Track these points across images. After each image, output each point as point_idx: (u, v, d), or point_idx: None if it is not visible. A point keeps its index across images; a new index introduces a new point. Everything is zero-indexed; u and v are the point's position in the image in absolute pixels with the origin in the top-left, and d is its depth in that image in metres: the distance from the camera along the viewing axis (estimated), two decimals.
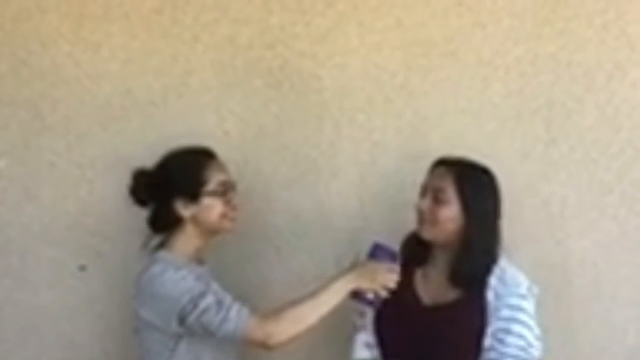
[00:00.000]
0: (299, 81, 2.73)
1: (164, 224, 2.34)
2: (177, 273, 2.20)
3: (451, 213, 2.25)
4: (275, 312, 2.21)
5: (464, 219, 2.24)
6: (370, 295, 2.26)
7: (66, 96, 2.79)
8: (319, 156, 2.73)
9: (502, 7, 2.66)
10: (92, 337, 2.82)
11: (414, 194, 2.35)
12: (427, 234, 2.29)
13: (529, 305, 2.20)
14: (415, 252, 2.34)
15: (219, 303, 2.17)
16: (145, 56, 2.77)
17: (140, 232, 2.40)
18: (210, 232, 2.34)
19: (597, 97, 2.63)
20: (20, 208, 2.81)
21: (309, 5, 2.71)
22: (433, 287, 2.30)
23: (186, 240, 2.32)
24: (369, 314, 2.35)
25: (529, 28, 2.65)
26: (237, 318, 2.16)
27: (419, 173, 2.37)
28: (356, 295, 2.26)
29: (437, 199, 2.26)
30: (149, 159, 2.36)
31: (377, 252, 2.30)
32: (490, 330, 2.18)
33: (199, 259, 2.36)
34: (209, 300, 2.16)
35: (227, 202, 2.32)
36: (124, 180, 2.36)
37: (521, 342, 2.16)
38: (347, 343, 2.44)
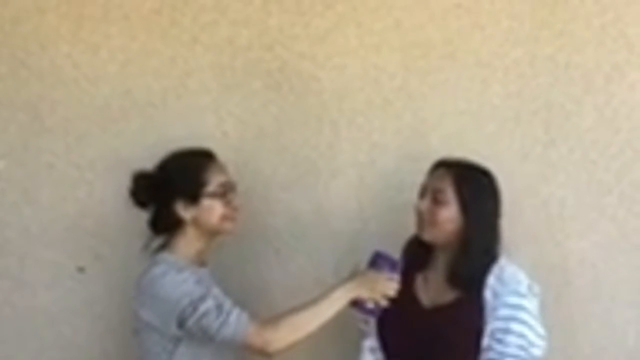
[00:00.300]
0: (298, 82, 2.73)
1: (164, 225, 2.34)
2: (178, 275, 2.20)
3: (450, 214, 2.25)
4: (274, 319, 2.21)
5: (462, 219, 2.24)
6: (370, 305, 2.26)
7: (65, 97, 2.79)
8: (318, 157, 2.73)
9: (500, 8, 2.66)
10: (91, 338, 2.82)
11: (413, 195, 2.35)
12: (427, 235, 2.29)
13: (529, 303, 2.19)
14: (416, 256, 2.34)
15: (219, 307, 2.17)
16: (145, 57, 2.77)
17: (139, 234, 2.40)
18: (210, 233, 2.34)
19: (596, 98, 2.63)
20: (19, 209, 2.80)
21: (307, 6, 2.72)
22: (432, 289, 2.30)
23: (187, 242, 2.32)
24: (372, 319, 2.35)
25: (527, 30, 2.65)
26: (236, 323, 2.16)
27: (418, 174, 2.37)
28: (356, 304, 2.26)
29: (436, 200, 2.26)
30: (149, 161, 2.36)
31: (377, 261, 2.30)
32: (488, 329, 2.17)
33: (200, 261, 2.35)
34: (209, 304, 2.16)
35: (228, 204, 2.32)
36: (123, 182, 2.36)
37: (521, 342, 2.14)
38: (348, 347, 2.45)
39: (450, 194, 2.25)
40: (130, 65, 2.77)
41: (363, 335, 2.41)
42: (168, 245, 2.33)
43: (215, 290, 2.22)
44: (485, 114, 2.68)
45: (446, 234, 2.26)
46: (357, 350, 2.45)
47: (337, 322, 2.25)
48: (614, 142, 2.63)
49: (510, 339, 2.15)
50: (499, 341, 2.15)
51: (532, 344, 2.16)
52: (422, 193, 2.31)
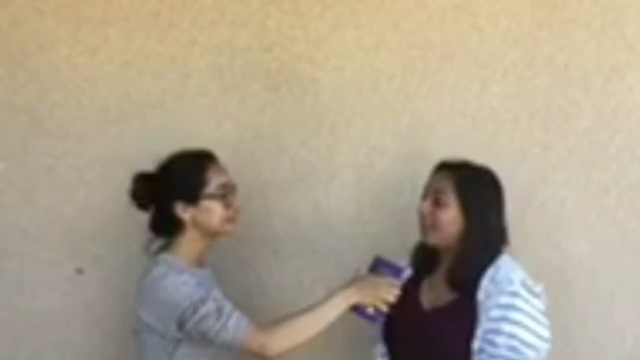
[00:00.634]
0: (297, 84, 2.73)
1: (164, 227, 2.34)
2: (179, 277, 2.20)
3: (451, 216, 2.24)
4: (273, 323, 2.21)
5: (464, 221, 2.24)
6: (370, 311, 2.24)
7: (64, 99, 2.79)
8: (317, 159, 2.73)
9: (499, 10, 2.66)
10: (89, 340, 2.83)
11: (412, 197, 2.36)
12: (431, 239, 2.28)
13: (524, 303, 2.13)
14: (424, 262, 2.33)
15: (219, 310, 2.17)
16: (143, 59, 2.77)
17: (138, 236, 2.40)
18: (210, 235, 2.33)
19: (595, 99, 2.63)
20: (18, 211, 2.81)
21: (306, 8, 2.72)
22: (435, 291, 2.29)
23: (188, 244, 2.31)
24: (373, 325, 2.33)
25: (526, 31, 2.65)
26: (235, 327, 2.16)
27: (417, 176, 2.37)
28: (356, 309, 2.25)
29: (437, 202, 2.25)
30: (148, 162, 2.36)
31: (378, 267, 2.29)
32: (480, 331, 2.14)
33: (200, 262, 2.35)
34: (209, 306, 2.16)
35: (227, 205, 2.31)
36: (122, 184, 2.36)
37: (512, 342, 2.10)
38: (349, 346, 2.44)
39: (450, 196, 2.24)
40: (129, 67, 2.78)
41: (374, 341, 2.39)
42: (169, 247, 2.33)
43: (216, 293, 2.22)
44: (483, 115, 2.67)
45: (448, 236, 2.25)
46: (356, 350, 2.46)
47: (337, 324, 2.25)
48: (612, 143, 2.62)
49: (501, 340, 2.11)
50: (490, 343, 2.12)
51: (526, 345, 2.11)
52: (425, 195, 2.31)
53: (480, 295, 2.17)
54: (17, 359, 2.82)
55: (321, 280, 2.66)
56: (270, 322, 2.22)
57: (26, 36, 2.78)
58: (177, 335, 2.19)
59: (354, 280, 2.28)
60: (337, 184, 2.73)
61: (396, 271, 2.26)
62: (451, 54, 2.68)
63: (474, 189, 2.25)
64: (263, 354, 2.18)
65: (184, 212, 2.29)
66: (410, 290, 2.29)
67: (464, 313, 2.17)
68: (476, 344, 2.14)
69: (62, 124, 2.79)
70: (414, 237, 2.36)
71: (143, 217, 2.36)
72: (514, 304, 2.13)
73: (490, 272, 2.20)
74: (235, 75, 2.74)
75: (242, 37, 2.74)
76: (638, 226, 2.62)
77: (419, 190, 2.33)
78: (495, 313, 2.13)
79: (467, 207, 2.23)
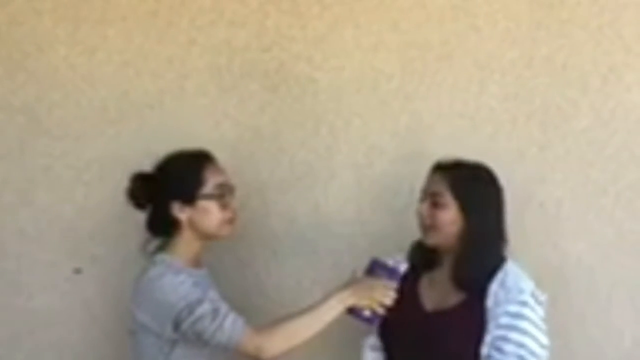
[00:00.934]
0: (295, 84, 2.73)
1: (161, 226, 2.33)
2: (175, 277, 2.19)
3: (450, 216, 2.24)
4: (269, 325, 2.20)
5: (463, 220, 2.24)
6: (366, 313, 2.24)
7: (62, 99, 2.79)
8: (316, 159, 2.73)
9: (497, 10, 2.66)
10: (86, 340, 2.82)
11: (411, 197, 2.36)
12: (430, 240, 2.28)
13: (531, 312, 2.15)
14: (422, 257, 2.33)
15: (215, 311, 2.16)
16: (142, 59, 2.77)
17: (136, 236, 2.39)
18: (207, 235, 2.32)
19: (593, 99, 2.63)
20: (16, 211, 2.80)
21: (305, 8, 2.72)
22: (437, 291, 2.28)
23: (185, 244, 2.30)
24: (369, 327, 2.32)
25: (524, 31, 2.66)
26: (231, 328, 2.16)
27: (416, 176, 2.37)
28: (353, 311, 2.24)
29: (435, 204, 2.25)
30: (146, 162, 2.35)
31: (374, 269, 2.28)
32: (488, 338, 2.15)
33: (197, 262, 2.34)
34: (205, 307, 2.16)
35: (225, 206, 2.30)
36: (120, 184, 2.35)
37: (521, 351, 2.12)
38: (346, 347, 2.44)
39: (448, 197, 2.24)
40: (127, 67, 2.77)
41: (365, 332, 2.39)
42: (165, 247, 2.32)
43: (212, 294, 2.22)
44: (482, 115, 2.68)
45: (449, 236, 2.25)
46: (352, 352, 2.46)
47: (333, 326, 2.24)
48: (610, 144, 2.63)
49: (509, 348, 2.13)
50: (498, 350, 2.14)
51: (532, 354, 2.13)
52: (423, 197, 2.31)
53: (490, 300, 2.18)
54: (14, 358, 2.82)
55: (320, 280, 2.66)
56: (266, 323, 2.22)
57: (24, 36, 2.78)
58: (173, 335, 2.19)
59: (350, 282, 2.27)
60: (336, 184, 2.73)
61: (392, 273, 2.26)
62: (450, 54, 2.68)
63: (471, 188, 2.25)
64: (258, 355, 2.17)
65: (180, 212, 2.28)
66: (408, 288, 2.29)
67: (471, 316, 2.19)
68: (484, 350, 2.16)
69: (61, 124, 2.78)
70: (412, 237, 2.36)
71: (141, 217, 2.36)
72: (522, 313, 2.15)
73: (500, 277, 2.21)
74: (234, 75, 2.74)
75: (240, 37, 2.74)
76: (636, 226, 2.63)
77: (418, 190, 2.33)
78: (504, 320, 2.15)
79: (465, 206, 2.24)
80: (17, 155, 2.80)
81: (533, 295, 2.19)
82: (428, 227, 2.27)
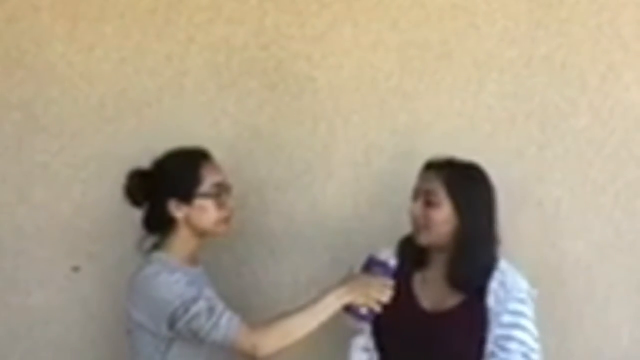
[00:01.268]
0: (294, 82, 2.73)
1: (157, 224, 2.33)
2: (171, 276, 2.19)
3: (443, 215, 2.23)
4: (265, 323, 2.20)
5: (457, 219, 2.23)
6: (363, 310, 2.24)
7: (60, 96, 2.78)
8: (314, 157, 2.73)
9: (496, 9, 2.66)
10: (84, 338, 2.82)
11: (409, 195, 2.35)
12: (424, 239, 2.27)
13: (528, 309, 2.20)
14: (412, 255, 2.33)
15: (210, 310, 2.16)
16: (140, 57, 2.76)
17: (133, 233, 2.39)
18: (203, 234, 2.32)
19: (591, 98, 2.64)
20: (13, 209, 2.80)
21: (303, 6, 2.71)
22: (433, 291, 2.28)
23: (181, 242, 2.30)
24: (365, 325, 2.33)
25: (523, 30, 2.66)
26: (227, 326, 2.15)
27: (414, 174, 2.36)
28: (349, 309, 2.24)
29: (429, 202, 2.25)
30: (143, 160, 2.35)
31: (371, 266, 2.28)
32: (491, 336, 2.17)
33: (193, 260, 2.34)
34: (201, 306, 2.15)
35: (221, 205, 2.30)
36: (118, 181, 2.34)
37: (523, 348, 2.15)
38: (339, 347, 2.44)
39: (441, 195, 2.24)
40: (125, 64, 2.77)
41: (352, 333, 2.39)
42: (161, 245, 2.32)
43: (208, 292, 2.21)
44: (480, 114, 2.68)
45: (442, 235, 2.25)
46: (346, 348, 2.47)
47: (330, 324, 2.24)
48: (609, 142, 2.63)
49: (513, 346, 2.15)
50: (502, 348, 2.16)
51: (532, 350, 2.17)
52: (415, 196, 2.30)
53: (490, 299, 2.20)
54: (11, 357, 2.81)
55: (318, 278, 2.66)
56: (262, 321, 2.21)
57: (22, 33, 2.77)
58: (168, 334, 2.19)
59: (346, 280, 2.27)
60: (334, 181, 2.73)
61: (389, 270, 2.26)
62: (449, 52, 2.68)
63: (466, 186, 2.25)
64: (254, 353, 2.17)
65: (177, 210, 2.28)
66: (403, 287, 2.28)
67: (472, 316, 2.20)
68: (487, 349, 2.17)
69: (58, 121, 2.78)
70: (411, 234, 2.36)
71: (139, 215, 2.36)
72: (522, 310, 2.18)
73: (497, 276, 2.22)
74: (233, 73, 2.74)
75: (239, 35, 2.74)
76: (634, 225, 2.63)
77: None
78: (506, 319, 2.17)
79: (459, 205, 2.23)
80: (15, 152, 2.79)
81: (529, 292, 2.22)
82: (421, 226, 2.26)
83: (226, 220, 2.31)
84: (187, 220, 2.28)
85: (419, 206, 2.27)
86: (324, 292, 2.23)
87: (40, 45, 2.77)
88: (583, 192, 2.64)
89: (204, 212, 2.28)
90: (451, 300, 2.24)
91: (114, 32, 2.76)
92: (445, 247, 2.26)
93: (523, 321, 2.17)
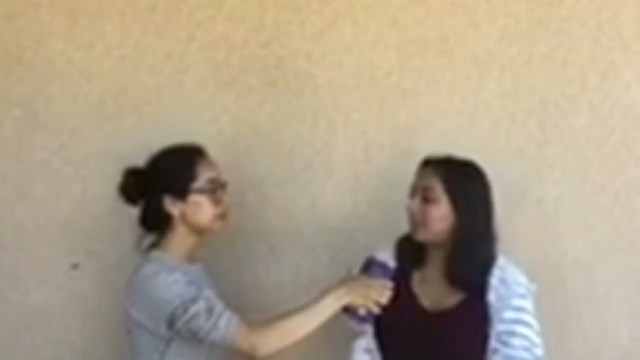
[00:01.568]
0: (294, 80, 2.73)
1: (154, 221, 2.32)
2: (170, 275, 2.18)
3: (441, 212, 2.23)
4: (264, 323, 2.20)
5: (454, 216, 2.23)
6: (361, 312, 2.23)
7: (60, 94, 2.78)
8: (314, 155, 2.73)
9: (496, 7, 2.66)
10: (84, 336, 2.82)
11: (408, 193, 2.35)
12: (421, 236, 2.27)
13: (528, 304, 2.20)
14: (411, 254, 2.32)
15: (210, 310, 2.16)
16: (140, 54, 2.76)
17: (133, 231, 2.39)
18: (199, 231, 2.31)
19: (591, 97, 2.64)
20: (13, 206, 2.80)
21: (304, 3, 2.71)
22: (432, 289, 2.28)
23: (178, 240, 2.30)
24: (364, 326, 2.32)
25: (523, 28, 2.66)
26: (226, 327, 2.15)
27: (413, 172, 2.36)
28: (348, 310, 2.23)
29: (426, 199, 2.25)
30: (143, 157, 2.34)
31: (370, 267, 2.27)
32: (493, 332, 2.17)
33: (191, 258, 2.34)
34: (200, 306, 2.15)
35: (217, 202, 2.29)
36: (118, 179, 2.34)
37: (526, 343, 2.15)
38: (342, 347, 2.44)
39: (439, 192, 2.23)
40: (125, 61, 2.76)
41: (354, 335, 2.38)
42: (159, 243, 2.32)
43: (207, 292, 2.21)
44: (480, 112, 2.68)
45: (439, 232, 2.24)
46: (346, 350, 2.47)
47: (328, 325, 2.24)
48: (609, 141, 2.63)
49: (516, 341, 2.15)
50: (505, 344, 2.15)
51: (534, 345, 2.17)
52: (412, 193, 2.30)
53: (491, 296, 2.19)
54: (11, 354, 2.81)
55: (318, 276, 2.66)
56: (261, 321, 2.21)
57: (22, 30, 2.77)
58: (167, 333, 2.19)
59: (345, 281, 2.26)
60: (334, 179, 2.73)
61: (389, 272, 2.26)
62: (448, 50, 2.68)
63: (463, 183, 2.25)
64: (253, 353, 2.17)
65: (172, 206, 2.27)
66: (403, 287, 2.28)
67: (474, 314, 2.19)
68: (490, 345, 2.17)
69: (58, 118, 2.78)
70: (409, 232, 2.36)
71: (138, 213, 2.35)
72: (523, 306, 2.19)
73: (497, 272, 2.22)
74: (233, 71, 2.74)
75: (239, 32, 2.73)
76: (634, 224, 2.63)
77: None
78: (508, 315, 2.17)
79: (457, 202, 2.23)
80: (15, 149, 2.79)
81: (527, 287, 2.22)
82: (419, 223, 2.26)
83: (222, 216, 2.31)
84: (183, 217, 2.28)
85: (416, 203, 2.27)
86: (323, 293, 2.23)
87: (40, 43, 2.77)
88: (583, 191, 2.64)
89: (199, 208, 2.28)
90: (451, 298, 2.24)
91: (113, 30, 2.76)
92: (442, 244, 2.25)
93: (525, 316, 2.17)
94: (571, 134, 2.64)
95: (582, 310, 2.65)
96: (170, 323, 2.16)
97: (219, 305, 2.18)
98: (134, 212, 2.36)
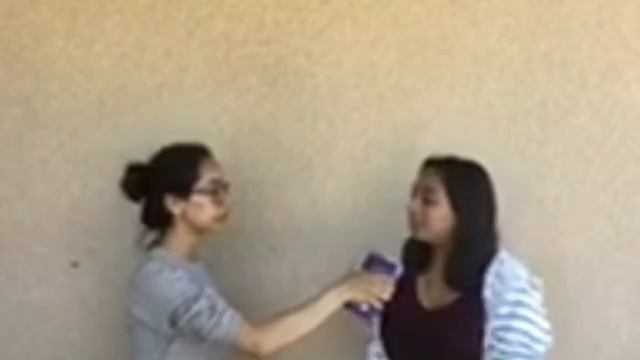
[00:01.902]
0: (294, 78, 2.72)
1: (155, 219, 2.32)
2: (172, 273, 2.19)
3: (441, 213, 2.23)
4: (266, 321, 2.20)
5: (455, 217, 2.23)
6: (364, 307, 2.24)
7: (59, 92, 2.78)
8: (314, 154, 2.73)
9: (496, 5, 2.66)
10: (84, 334, 2.82)
11: (408, 193, 2.35)
12: (421, 235, 2.27)
13: (530, 299, 2.15)
14: (416, 258, 2.33)
15: (212, 308, 2.16)
16: (139, 52, 2.76)
17: (133, 229, 2.39)
18: (200, 230, 2.31)
19: (591, 96, 2.63)
20: (13, 204, 2.80)
21: (304, 2, 2.71)
22: (433, 291, 2.28)
23: (179, 238, 2.30)
24: (367, 322, 2.33)
25: (523, 27, 2.65)
26: (228, 325, 2.15)
27: (413, 171, 2.36)
28: (350, 306, 2.24)
29: (427, 200, 2.24)
30: (143, 156, 2.35)
31: (371, 263, 2.28)
32: (489, 328, 2.15)
33: (193, 256, 2.34)
34: (202, 304, 2.15)
35: (218, 202, 2.29)
36: (117, 177, 2.35)
37: (523, 339, 2.12)
38: (340, 345, 2.44)
39: (440, 193, 2.23)
40: (125, 59, 2.76)
41: (368, 339, 2.39)
42: (161, 241, 2.32)
43: (209, 290, 2.21)
44: (480, 111, 2.68)
45: (439, 233, 2.24)
46: (348, 348, 2.46)
47: (330, 321, 2.24)
48: (609, 140, 2.63)
49: (512, 336, 2.12)
50: (501, 340, 2.13)
51: (535, 340, 2.13)
52: (414, 193, 2.30)
53: (487, 292, 2.17)
54: (11, 353, 2.81)
55: (317, 274, 2.66)
56: (263, 319, 2.21)
57: (21, 28, 2.77)
58: (169, 331, 2.19)
59: (347, 277, 2.27)
60: (333, 178, 2.73)
61: (390, 268, 2.26)
62: (448, 49, 2.68)
63: (464, 185, 2.24)
64: (256, 351, 2.18)
65: (174, 205, 2.28)
66: (406, 287, 2.28)
67: (470, 311, 2.18)
68: (487, 341, 2.15)
69: (58, 116, 2.77)
70: (409, 232, 2.35)
71: (138, 211, 2.36)
72: (521, 300, 2.15)
73: (494, 268, 2.19)
74: (233, 69, 2.73)
75: (239, 30, 2.73)
76: (634, 223, 2.63)
77: None
78: (504, 310, 2.14)
79: (457, 204, 2.22)
80: (14, 147, 2.79)
81: (529, 281, 2.18)
82: (419, 223, 2.26)
83: (223, 217, 2.31)
84: (184, 216, 2.28)
85: (417, 203, 2.27)
86: (325, 290, 2.23)
87: (40, 40, 2.77)
88: (583, 190, 2.64)
89: (201, 208, 2.28)
90: (448, 297, 2.23)
91: (113, 28, 2.76)
92: (444, 244, 2.25)
93: (523, 311, 2.13)
94: (571, 133, 2.64)
95: (581, 308, 2.65)
96: (173, 321, 2.16)
97: (221, 303, 2.18)
98: (134, 209, 2.36)
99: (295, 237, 2.73)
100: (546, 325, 2.17)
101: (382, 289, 2.23)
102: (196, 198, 2.27)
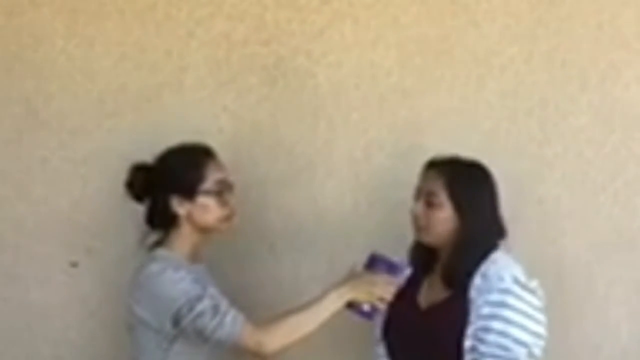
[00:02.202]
0: (294, 78, 2.72)
1: (160, 220, 2.32)
2: (176, 273, 2.18)
3: (444, 216, 2.22)
4: (269, 321, 2.20)
5: (458, 219, 2.22)
6: (366, 307, 2.23)
7: (59, 92, 2.77)
8: (314, 154, 2.73)
9: (497, 6, 2.66)
10: (83, 334, 2.81)
11: (408, 193, 2.35)
12: (425, 238, 2.27)
13: (516, 300, 2.10)
14: (421, 260, 2.32)
15: (215, 308, 2.15)
16: (140, 52, 2.75)
17: (133, 229, 2.40)
18: (204, 231, 2.31)
19: (591, 97, 2.64)
20: (13, 204, 2.79)
21: (304, 2, 2.71)
22: (433, 291, 2.27)
23: (183, 239, 2.30)
24: (379, 325, 2.33)
25: (524, 27, 2.66)
26: (231, 325, 2.15)
27: (414, 171, 2.36)
28: (352, 306, 2.23)
29: (430, 203, 2.24)
30: (143, 156, 2.34)
31: (373, 263, 2.27)
32: (470, 330, 2.12)
33: (195, 257, 2.34)
34: (205, 304, 2.15)
35: (224, 203, 2.29)
36: (118, 177, 2.34)
37: (503, 340, 2.07)
38: (344, 345, 2.44)
39: (443, 196, 2.22)
40: (125, 59, 2.76)
41: (376, 342, 2.38)
42: (164, 241, 2.31)
43: (212, 290, 2.21)
44: (480, 111, 2.68)
45: (443, 235, 2.24)
46: (352, 348, 2.46)
47: (334, 321, 2.24)
48: (609, 141, 2.63)
49: (491, 338, 2.08)
50: (481, 341, 2.09)
51: (517, 342, 2.08)
52: (417, 195, 2.29)
53: (472, 292, 2.15)
54: (10, 352, 2.80)
55: (318, 275, 2.66)
56: (266, 319, 2.21)
57: (22, 28, 2.76)
58: (172, 331, 2.18)
59: (349, 277, 2.26)
60: (334, 178, 2.73)
61: (392, 268, 2.25)
62: (449, 49, 2.68)
63: (466, 187, 2.24)
64: (259, 351, 2.17)
65: (179, 206, 2.27)
66: (408, 288, 2.28)
67: (455, 310, 2.15)
68: (467, 342, 2.12)
69: (58, 116, 2.77)
70: (410, 232, 2.35)
71: (139, 211, 2.35)
72: (504, 301, 2.10)
73: (482, 268, 2.17)
74: (233, 69, 2.73)
75: (239, 30, 2.73)
76: (634, 223, 2.64)
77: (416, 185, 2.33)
78: (485, 310, 2.11)
79: (460, 206, 2.22)
80: (14, 147, 2.78)
81: (516, 281, 2.13)
82: (422, 226, 2.26)
83: (228, 218, 2.31)
84: (189, 217, 2.28)
85: (420, 206, 2.26)
86: (327, 290, 2.23)
87: (40, 40, 2.76)
88: (583, 191, 2.64)
89: (206, 209, 2.28)
90: (441, 295, 2.22)
91: (113, 28, 2.75)
92: (447, 246, 2.25)
93: (505, 312, 2.09)
94: (571, 133, 2.65)
95: (581, 308, 2.65)
96: (176, 321, 2.16)
97: (224, 304, 2.18)
98: (135, 209, 2.35)
99: (296, 237, 2.73)
100: (536, 328, 2.12)
101: (384, 289, 2.23)
102: (202, 199, 2.27)
